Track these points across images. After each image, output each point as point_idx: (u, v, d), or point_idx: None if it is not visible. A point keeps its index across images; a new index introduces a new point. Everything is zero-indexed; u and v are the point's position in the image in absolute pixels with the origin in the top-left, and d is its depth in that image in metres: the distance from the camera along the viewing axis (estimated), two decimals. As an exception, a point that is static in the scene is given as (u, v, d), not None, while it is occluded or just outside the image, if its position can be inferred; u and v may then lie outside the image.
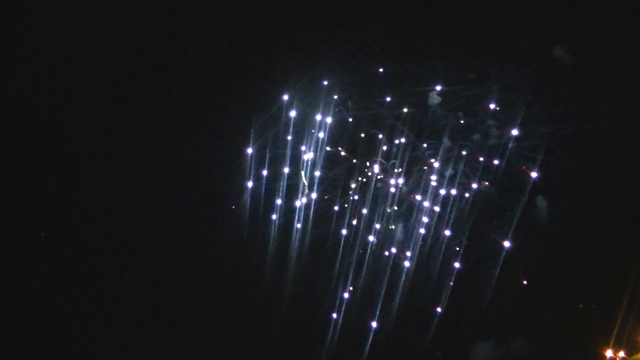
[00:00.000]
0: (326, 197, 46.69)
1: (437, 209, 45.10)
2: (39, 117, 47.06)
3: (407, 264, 44.80)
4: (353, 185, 46.54)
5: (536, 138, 44.10)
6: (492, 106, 45.57)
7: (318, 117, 46.61)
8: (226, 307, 45.91)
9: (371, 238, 45.72)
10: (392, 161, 46.07)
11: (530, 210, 43.73)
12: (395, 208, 46.19)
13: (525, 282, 43.05)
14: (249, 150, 46.67)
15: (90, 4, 48.37)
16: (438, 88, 46.31)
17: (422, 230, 45.19)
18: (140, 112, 47.75)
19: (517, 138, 44.46)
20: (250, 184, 46.87)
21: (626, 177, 43.09)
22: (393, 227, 45.91)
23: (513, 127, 44.46)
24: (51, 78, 47.19)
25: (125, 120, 47.66)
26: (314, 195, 46.60)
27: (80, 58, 47.99)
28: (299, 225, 46.57)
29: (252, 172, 46.78)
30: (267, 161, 46.68)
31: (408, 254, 44.91)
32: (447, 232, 44.53)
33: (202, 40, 49.14)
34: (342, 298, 45.05)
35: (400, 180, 46.00)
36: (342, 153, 47.06)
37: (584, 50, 45.94)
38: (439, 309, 43.69)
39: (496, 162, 44.79)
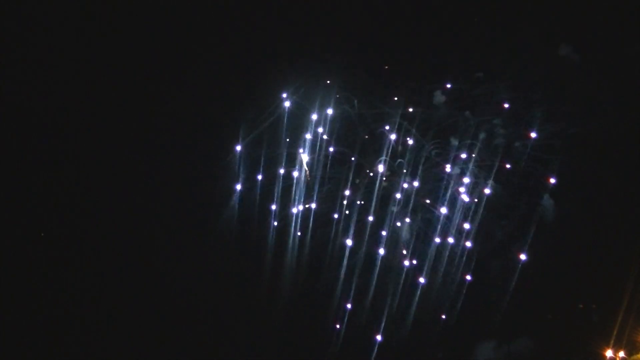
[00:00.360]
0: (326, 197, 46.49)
1: (441, 209, 44.94)
2: (39, 117, 46.56)
3: (408, 264, 44.80)
4: (350, 191, 46.19)
5: (542, 137, 44.05)
6: (499, 105, 45.31)
7: (322, 116, 46.14)
8: (225, 306, 45.80)
9: (374, 240, 45.58)
10: (399, 160, 45.81)
11: (533, 211, 43.72)
12: (398, 208, 46.03)
13: (526, 284, 43.12)
14: (250, 150, 46.36)
15: (91, 4, 47.94)
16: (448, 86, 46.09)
17: (426, 232, 45.08)
18: (141, 113, 47.35)
19: (524, 137, 44.31)
20: (248, 184, 46.60)
21: (627, 177, 43.09)
22: (397, 227, 45.74)
23: (520, 126, 44.30)
24: (50, 78, 46.61)
25: (126, 121, 47.22)
26: (318, 195, 46.38)
27: (79, 58, 47.44)
28: (297, 229, 46.39)
29: (258, 171, 46.47)
30: (274, 161, 46.36)
31: (414, 260, 44.87)
32: (451, 233, 44.46)
33: (204, 40, 48.43)
34: (345, 300, 45.03)
35: (407, 180, 45.75)
36: (348, 152, 46.74)
37: (591, 48, 45.70)
38: (441, 310, 43.77)
39: (501, 161, 44.61)
